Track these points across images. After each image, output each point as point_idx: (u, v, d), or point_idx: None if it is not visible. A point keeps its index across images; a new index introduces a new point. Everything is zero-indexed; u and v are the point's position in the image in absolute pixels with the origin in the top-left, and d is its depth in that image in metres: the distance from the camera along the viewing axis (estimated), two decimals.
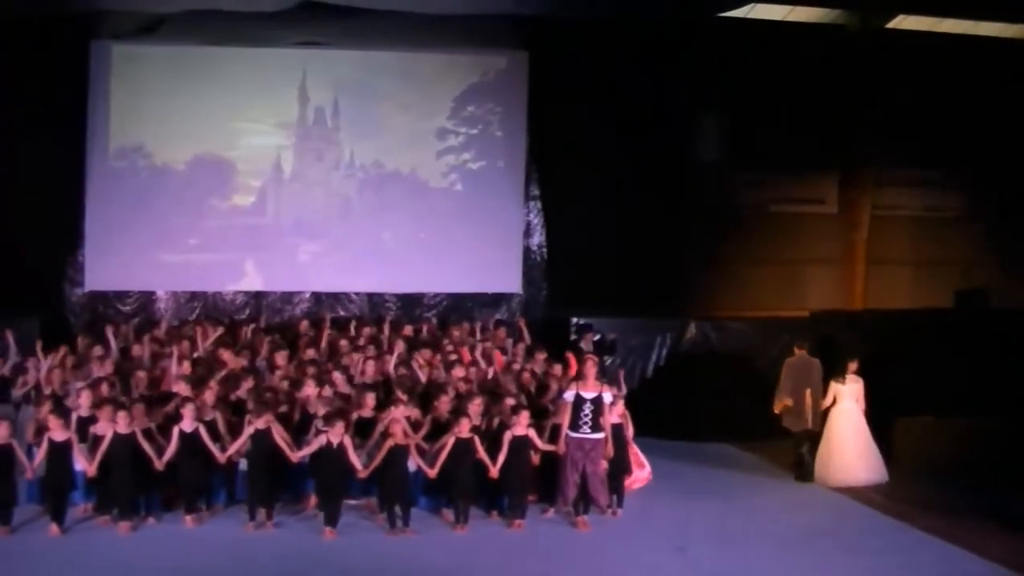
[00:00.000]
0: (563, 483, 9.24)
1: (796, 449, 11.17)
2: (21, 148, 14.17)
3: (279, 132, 15.18)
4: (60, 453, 8.83)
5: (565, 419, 9.29)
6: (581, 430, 9.13)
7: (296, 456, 9.04)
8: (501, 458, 9.08)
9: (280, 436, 9.04)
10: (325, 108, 15.20)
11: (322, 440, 8.87)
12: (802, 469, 11.03)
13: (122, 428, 8.80)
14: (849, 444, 10.72)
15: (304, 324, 13.18)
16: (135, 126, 14.95)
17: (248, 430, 9.04)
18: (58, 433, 8.80)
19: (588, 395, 9.16)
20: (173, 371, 10.40)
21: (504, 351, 12.19)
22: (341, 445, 8.83)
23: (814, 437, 10.99)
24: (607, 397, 9.24)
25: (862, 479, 10.65)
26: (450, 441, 9.03)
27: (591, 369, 9.36)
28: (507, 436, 9.14)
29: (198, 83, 14.96)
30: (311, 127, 15.20)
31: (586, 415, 9.11)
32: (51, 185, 14.49)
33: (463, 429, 9.04)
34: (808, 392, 10.99)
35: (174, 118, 14.92)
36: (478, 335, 12.97)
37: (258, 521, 9.04)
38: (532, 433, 9.25)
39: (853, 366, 10.87)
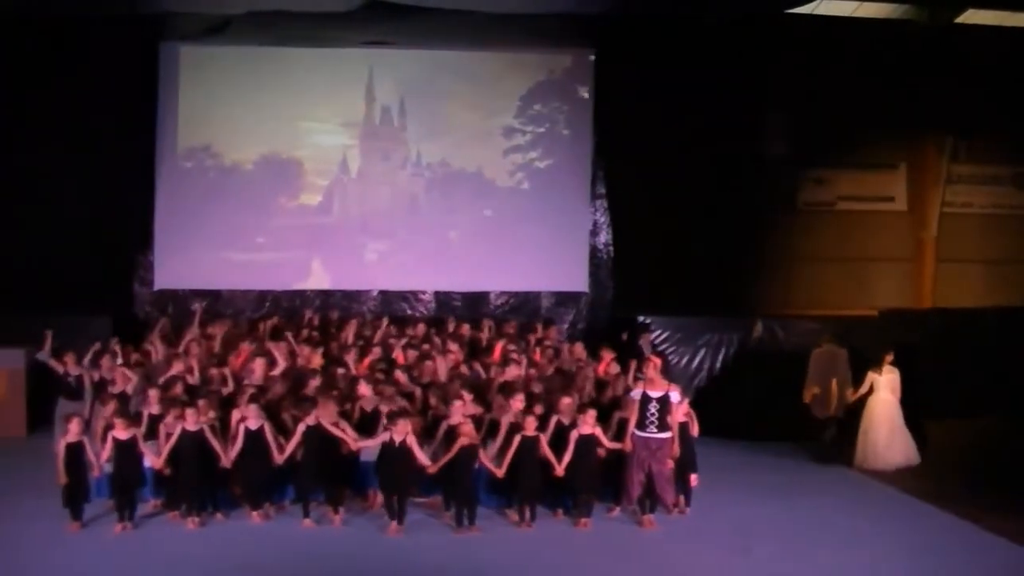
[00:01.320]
0: (628, 482, 9.34)
1: (820, 435, 12.10)
2: (93, 149, 14.63)
3: (346, 131, 15.51)
4: (125, 451, 9.04)
5: (632, 417, 9.39)
6: (648, 429, 9.22)
7: (356, 445, 9.18)
8: (567, 457, 9.15)
9: (334, 427, 9.12)
10: (391, 107, 15.50)
11: (385, 437, 9.00)
12: (824, 452, 11.96)
13: (190, 425, 9.02)
14: (884, 431, 11.50)
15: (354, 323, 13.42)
16: (203, 126, 15.37)
17: (300, 427, 9.19)
18: (122, 432, 9.02)
19: (654, 394, 9.25)
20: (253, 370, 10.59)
21: (557, 350, 12.27)
22: (404, 443, 8.95)
23: (839, 423, 11.98)
24: (674, 396, 9.31)
25: (895, 463, 11.42)
26: (516, 440, 9.13)
27: (654, 369, 9.46)
28: (573, 435, 9.20)
29: (265, 83, 15.34)
30: (378, 126, 15.51)
31: (652, 414, 9.19)
32: (122, 185, 14.99)
33: (529, 428, 9.14)
34: (834, 381, 11.96)
35: (242, 118, 15.36)
36: (540, 333, 13.21)
37: (317, 517, 9.20)
38: (599, 431, 9.33)
39: (889, 357, 11.59)
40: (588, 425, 9.25)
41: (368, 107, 15.50)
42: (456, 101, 15.66)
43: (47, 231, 14.73)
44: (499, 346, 12.27)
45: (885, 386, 11.55)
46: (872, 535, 9.22)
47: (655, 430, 9.20)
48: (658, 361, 9.81)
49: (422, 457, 9.06)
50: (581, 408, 9.48)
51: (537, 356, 11.90)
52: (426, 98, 15.57)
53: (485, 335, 13.28)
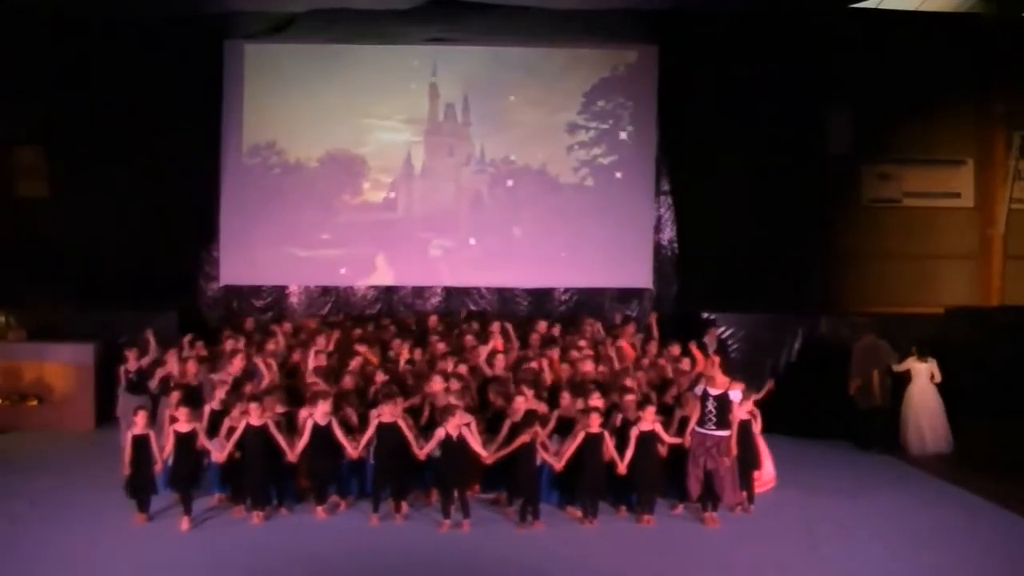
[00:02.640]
0: (687, 478, 9.48)
1: (863, 422, 12.74)
2: (159, 146, 15.01)
3: (409, 128, 15.76)
4: (186, 444, 9.26)
5: (694, 414, 9.54)
6: (706, 426, 9.40)
7: (421, 453, 9.30)
8: (629, 453, 9.30)
9: (408, 430, 9.33)
10: (455, 104, 15.74)
11: (440, 434, 9.13)
12: (865, 440, 12.64)
13: (255, 420, 9.20)
14: (922, 417, 12.31)
15: (433, 319, 13.70)
16: (268, 123, 15.70)
17: (373, 423, 9.38)
18: (183, 424, 9.25)
19: (714, 392, 9.39)
20: (309, 365, 10.83)
21: (633, 347, 12.48)
22: (460, 436, 9.11)
23: (882, 412, 12.61)
24: (735, 395, 9.42)
25: (930, 449, 12.22)
26: (579, 436, 9.24)
27: (716, 366, 9.63)
28: (634, 432, 9.35)
29: (329, 80, 15.66)
30: (441, 123, 15.75)
31: (710, 411, 9.36)
32: (188, 182, 15.36)
33: (593, 425, 9.24)
34: (876, 372, 12.59)
35: (306, 115, 15.65)
36: (605, 331, 13.32)
37: (382, 513, 9.35)
38: (659, 428, 9.47)
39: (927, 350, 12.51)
40: (649, 421, 9.41)
41: (432, 103, 15.74)
42: (520, 97, 15.88)
43: (114, 228, 15.18)
44: (571, 342, 12.36)
45: (923, 374, 12.37)
46: (940, 535, 9.26)
47: (713, 427, 9.37)
48: (718, 359, 9.91)
49: (478, 448, 9.24)
50: (641, 404, 9.60)
51: (607, 353, 11.93)
52: (490, 94, 15.81)
53: (553, 331, 13.30)
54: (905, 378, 12.56)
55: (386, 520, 9.38)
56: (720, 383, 9.44)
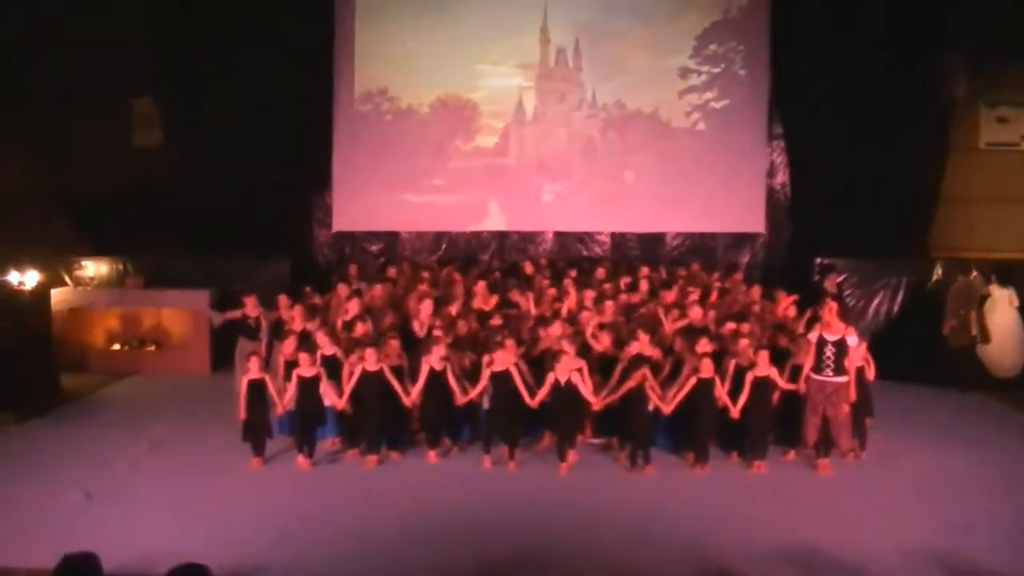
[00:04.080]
0: (804, 425, 9.52)
1: (960, 364, 13.32)
2: (270, 95, 15.34)
3: (521, 73, 16.03)
4: (309, 388, 9.54)
5: (808, 360, 9.56)
6: (824, 372, 9.41)
7: (533, 402, 9.49)
8: (743, 399, 9.43)
9: (519, 378, 9.50)
10: (566, 49, 15.97)
11: (551, 380, 9.33)
12: (964, 381, 13.22)
13: (370, 365, 9.46)
14: (1001, 340, 13.21)
15: (538, 263, 14.21)
16: (379, 70, 16.06)
17: (486, 372, 9.56)
18: (307, 369, 9.51)
19: (831, 337, 9.40)
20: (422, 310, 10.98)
21: (743, 293, 12.63)
22: (569, 382, 9.30)
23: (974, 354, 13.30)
24: (851, 340, 9.41)
25: (1004, 370, 13.20)
26: (690, 382, 9.43)
27: (832, 311, 9.58)
28: (749, 377, 9.46)
29: (440, 26, 15.97)
30: (553, 68, 15.98)
31: (828, 357, 9.38)
32: (300, 129, 15.78)
33: (704, 370, 9.39)
34: (971, 311, 13.27)
35: (417, 61, 16.00)
36: (718, 277, 13.57)
37: (495, 458, 9.58)
38: (774, 373, 9.56)
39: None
40: (763, 367, 9.52)
41: (543, 48, 15.97)
42: (631, 42, 16.04)
43: (227, 176, 15.52)
44: (681, 287, 12.67)
45: (1003, 299, 13.22)
46: None
47: (831, 374, 9.40)
48: (835, 304, 9.77)
49: (588, 394, 9.43)
50: (756, 350, 9.71)
51: (714, 298, 12.24)
52: (601, 39, 15.99)
53: (664, 276, 13.70)
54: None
55: (498, 465, 9.61)
56: (837, 328, 9.45)
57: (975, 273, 13.63)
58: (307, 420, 9.67)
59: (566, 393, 9.35)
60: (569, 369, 9.31)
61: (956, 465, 9.83)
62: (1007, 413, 12.20)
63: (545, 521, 8.21)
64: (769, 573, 7.18)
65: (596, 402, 9.55)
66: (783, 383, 9.68)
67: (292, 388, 9.58)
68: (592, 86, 16.19)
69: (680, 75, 16.17)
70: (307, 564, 7.20)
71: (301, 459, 9.62)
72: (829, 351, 9.41)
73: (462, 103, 16.21)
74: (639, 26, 16.19)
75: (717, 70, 16.20)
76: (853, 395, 9.45)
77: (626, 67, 16.20)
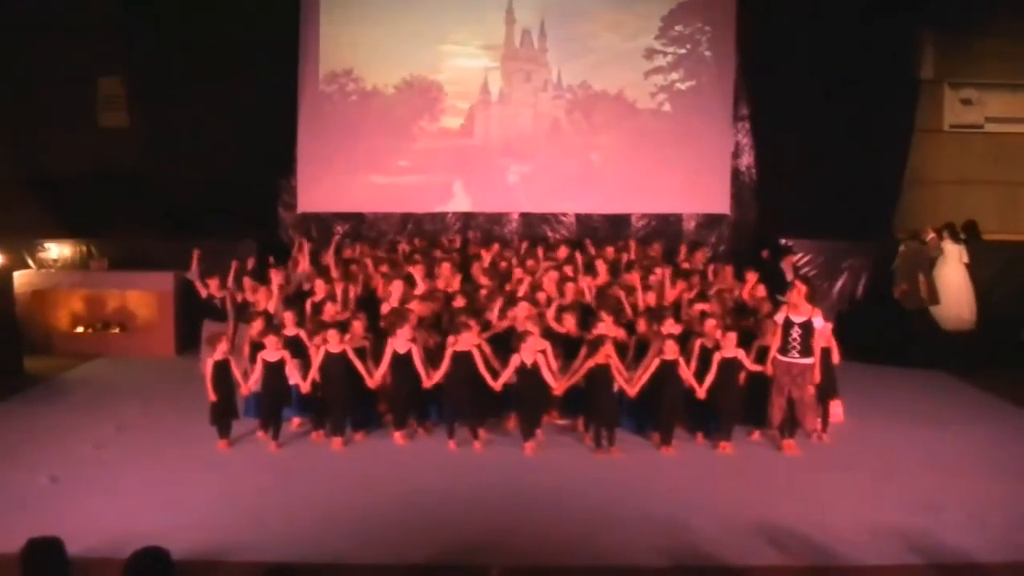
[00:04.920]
0: (770, 407, 9.61)
1: (914, 325, 14.01)
2: (236, 76, 15.41)
3: (486, 54, 16.22)
4: (274, 371, 9.61)
5: (775, 342, 9.67)
6: (790, 354, 9.47)
7: (497, 384, 9.56)
8: (709, 379, 9.52)
9: (481, 361, 9.61)
10: (532, 29, 16.14)
11: (516, 362, 9.37)
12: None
13: (334, 347, 9.56)
14: (950, 293, 13.92)
15: (496, 247, 14.15)
16: (344, 51, 16.21)
17: (448, 352, 9.62)
18: (272, 353, 9.60)
19: (797, 319, 9.44)
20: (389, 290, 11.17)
21: (704, 274, 12.78)
22: (535, 364, 9.37)
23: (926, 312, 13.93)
24: (817, 322, 9.46)
25: (954, 323, 13.91)
26: (655, 363, 9.48)
27: (799, 294, 9.58)
28: (716, 358, 9.55)
29: (405, 7, 16.13)
30: (518, 49, 16.16)
31: (795, 339, 9.44)
32: (265, 110, 15.81)
33: (668, 352, 9.45)
34: (921, 275, 13.85)
35: (382, 42, 16.15)
36: (682, 256, 13.77)
37: (460, 439, 9.63)
38: (741, 354, 9.64)
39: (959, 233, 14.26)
40: (730, 348, 9.60)
41: (509, 29, 16.14)
42: (597, 22, 16.23)
43: (192, 157, 15.66)
44: (644, 267, 12.60)
45: (954, 254, 13.95)
46: (1019, 464, 9.36)
47: (797, 355, 9.46)
48: (804, 286, 9.76)
49: (549, 377, 9.45)
50: (724, 331, 9.82)
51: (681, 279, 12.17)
52: (566, 19, 16.17)
53: (630, 257, 13.74)
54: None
55: (464, 446, 9.68)
56: (804, 310, 9.49)
57: (932, 235, 14.13)
58: (272, 403, 9.78)
59: (531, 375, 9.43)
60: (534, 351, 9.39)
61: (921, 444, 10.03)
62: (970, 392, 12.48)
63: (510, 501, 8.33)
64: (736, 551, 7.28)
65: (558, 387, 9.62)
66: (750, 364, 9.81)
67: (257, 371, 9.70)
68: (558, 67, 16.39)
69: (646, 56, 16.39)
70: (274, 545, 7.26)
71: (267, 441, 9.74)
72: (796, 333, 9.48)
73: (427, 84, 16.39)
74: (605, 7, 16.37)
75: (683, 51, 16.42)
76: (818, 376, 9.59)
77: (592, 48, 16.40)
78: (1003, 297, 14.32)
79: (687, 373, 9.60)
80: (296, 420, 10.40)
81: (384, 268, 12.48)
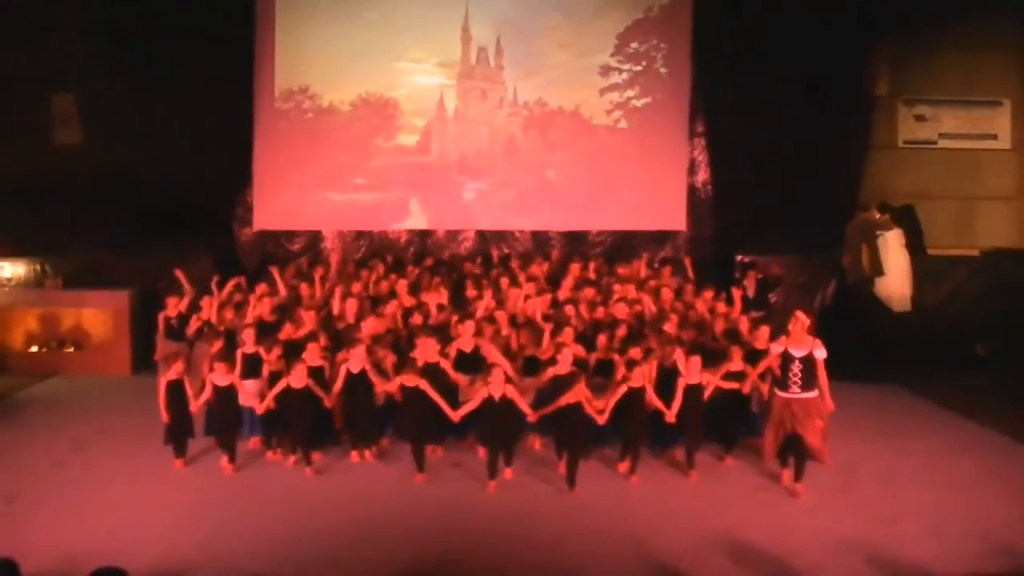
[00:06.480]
0: (765, 437, 9.55)
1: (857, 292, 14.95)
2: (191, 94, 15.85)
3: (442, 71, 16.65)
4: (225, 396, 9.87)
5: (757, 372, 9.78)
6: (790, 389, 9.18)
7: (456, 416, 9.62)
8: (676, 405, 9.58)
9: (431, 390, 9.61)
10: (488, 47, 16.61)
11: (483, 394, 9.35)
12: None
13: (296, 383, 9.73)
14: (891, 275, 14.93)
15: (468, 265, 14.67)
16: (300, 68, 16.63)
17: (395, 380, 9.70)
18: (221, 378, 9.82)
19: (798, 352, 9.12)
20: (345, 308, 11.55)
21: (669, 290, 13.03)
22: (504, 397, 9.28)
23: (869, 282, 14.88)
24: (819, 353, 9.12)
25: (893, 302, 14.89)
26: (621, 389, 9.47)
27: (800, 324, 9.30)
28: (680, 383, 9.59)
29: (361, 24, 16.57)
30: (474, 66, 16.57)
31: (795, 374, 9.17)
32: (221, 128, 16.18)
33: (636, 379, 9.46)
34: (865, 246, 14.83)
35: (338, 59, 16.58)
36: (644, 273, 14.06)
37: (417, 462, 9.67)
38: (707, 378, 9.72)
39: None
40: (695, 373, 9.67)
41: (465, 46, 16.56)
42: (552, 39, 16.69)
43: (148, 174, 16.07)
44: (608, 284, 13.24)
45: (893, 238, 14.98)
46: (981, 478, 9.83)
47: (798, 390, 9.15)
48: (805, 318, 9.45)
49: (524, 407, 9.45)
50: (689, 354, 9.89)
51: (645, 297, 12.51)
52: (522, 37, 16.64)
53: (590, 274, 14.14)
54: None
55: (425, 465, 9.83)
56: (805, 343, 9.18)
57: (878, 215, 15.22)
58: (224, 428, 9.98)
59: (501, 408, 9.34)
60: (502, 383, 9.30)
61: (879, 458, 10.42)
62: (926, 406, 13.06)
63: (473, 518, 8.69)
64: (699, 565, 7.61)
65: (532, 417, 9.54)
66: (724, 384, 9.88)
67: (205, 395, 9.97)
68: (514, 84, 16.85)
69: (602, 73, 16.88)
70: (232, 563, 7.51)
71: (225, 466, 9.97)
72: (796, 367, 9.16)
73: (383, 101, 16.82)
74: (561, 24, 16.83)
75: (639, 68, 16.92)
76: (831, 405, 9.31)
77: (547, 65, 16.86)
78: (960, 311, 15.00)
79: (653, 398, 9.59)
80: (253, 439, 10.74)
81: (356, 286, 12.92)
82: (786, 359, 9.23)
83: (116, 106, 16.20)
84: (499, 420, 9.42)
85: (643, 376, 9.56)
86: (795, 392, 9.20)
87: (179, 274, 12.99)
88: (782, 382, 9.29)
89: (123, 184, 16.19)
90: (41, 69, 16.54)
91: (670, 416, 9.55)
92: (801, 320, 9.34)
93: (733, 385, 9.91)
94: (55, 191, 16.21)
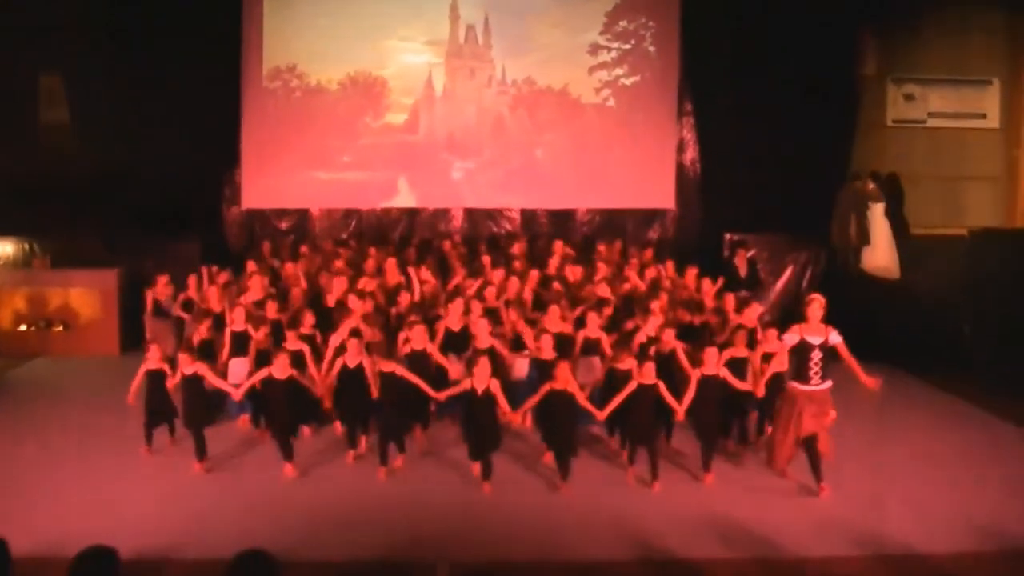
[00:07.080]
0: (776, 442, 8.85)
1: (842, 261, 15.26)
2: (178, 72, 15.92)
3: (430, 50, 16.78)
4: (191, 387, 9.61)
5: (782, 364, 9.15)
6: (810, 382, 8.53)
7: (442, 396, 9.47)
8: (688, 399, 9.09)
9: (414, 377, 9.39)
10: (476, 25, 16.72)
11: (466, 386, 8.95)
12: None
13: (279, 373, 9.39)
14: (876, 242, 15.10)
15: (448, 244, 14.82)
16: (288, 47, 16.75)
17: (378, 368, 9.32)
18: (188, 367, 9.50)
19: (815, 340, 8.48)
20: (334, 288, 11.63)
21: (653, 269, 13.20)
22: (487, 392, 8.82)
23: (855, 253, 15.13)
24: (836, 338, 8.54)
25: (878, 269, 15.04)
26: (630, 387, 8.99)
27: (818, 307, 8.65)
28: (696, 375, 9.10)
29: (349, 2, 16.73)
30: (462, 45, 16.71)
31: (815, 363, 8.53)
32: (208, 107, 16.26)
33: (646, 376, 8.93)
34: (853, 215, 15.06)
35: (326, 38, 16.70)
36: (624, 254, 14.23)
37: (390, 467, 9.34)
38: (726, 372, 9.20)
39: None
40: (712, 365, 9.08)
41: (453, 25, 16.68)
42: (541, 18, 16.83)
43: (135, 154, 16.07)
44: (592, 263, 13.34)
45: (877, 211, 15.13)
46: (963, 456, 9.96)
47: (819, 381, 8.55)
48: (821, 297, 8.80)
49: (505, 405, 8.99)
50: (701, 344, 9.58)
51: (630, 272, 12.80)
52: (510, 15, 16.77)
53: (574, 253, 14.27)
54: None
55: (412, 448, 9.79)
56: (818, 329, 8.60)
57: (871, 185, 15.29)
58: (194, 420, 9.73)
59: (485, 404, 8.92)
60: (487, 377, 8.87)
61: (866, 440, 10.40)
62: (913, 386, 13.13)
63: (461, 499, 8.75)
64: (685, 545, 7.65)
65: (514, 417, 9.21)
66: (739, 384, 9.39)
67: (173, 381, 9.74)
68: (502, 63, 16.96)
69: (590, 52, 17.01)
70: (219, 544, 7.46)
71: (196, 464, 9.55)
72: (816, 356, 8.54)
73: (371, 80, 16.94)
74: (549, 2, 16.97)
75: (627, 47, 17.05)
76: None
77: (536, 44, 16.98)
78: (949, 291, 14.89)
79: (669, 397, 9.01)
80: (243, 417, 10.82)
81: (340, 264, 13.06)
82: (804, 349, 8.56)
83: (104, 86, 16.30)
84: (483, 420, 9.04)
85: (653, 374, 8.96)
86: (816, 383, 8.58)
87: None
88: (802, 374, 8.59)
89: (111, 164, 16.29)
90: (28, 50, 16.60)
91: (680, 414, 9.11)
92: (819, 303, 8.67)
93: (747, 386, 9.43)
94: (43, 171, 16.31)
